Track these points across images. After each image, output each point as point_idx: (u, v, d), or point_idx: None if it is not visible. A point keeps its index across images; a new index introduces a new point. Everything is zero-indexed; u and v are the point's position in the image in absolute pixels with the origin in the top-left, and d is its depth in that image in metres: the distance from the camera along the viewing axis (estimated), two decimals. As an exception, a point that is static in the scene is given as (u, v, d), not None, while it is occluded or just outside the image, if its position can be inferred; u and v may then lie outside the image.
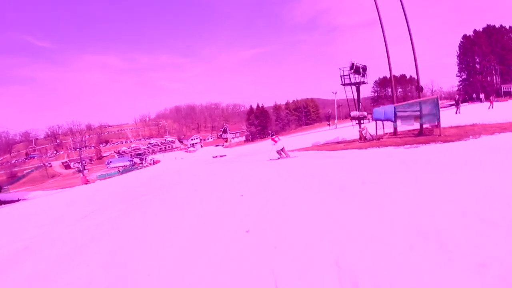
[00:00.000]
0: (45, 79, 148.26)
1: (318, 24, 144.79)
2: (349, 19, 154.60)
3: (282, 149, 13.00)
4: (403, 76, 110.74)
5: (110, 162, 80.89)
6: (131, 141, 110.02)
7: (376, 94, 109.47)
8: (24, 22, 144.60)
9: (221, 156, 26.63)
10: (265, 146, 23.04)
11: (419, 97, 15.50)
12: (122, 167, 74.56)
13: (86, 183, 43.25)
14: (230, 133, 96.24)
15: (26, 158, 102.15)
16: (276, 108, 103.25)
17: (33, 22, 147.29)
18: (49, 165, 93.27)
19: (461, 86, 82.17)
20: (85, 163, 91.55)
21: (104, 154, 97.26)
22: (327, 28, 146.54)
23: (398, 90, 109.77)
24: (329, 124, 56.60)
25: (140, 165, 70.87)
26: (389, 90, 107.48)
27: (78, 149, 46.77)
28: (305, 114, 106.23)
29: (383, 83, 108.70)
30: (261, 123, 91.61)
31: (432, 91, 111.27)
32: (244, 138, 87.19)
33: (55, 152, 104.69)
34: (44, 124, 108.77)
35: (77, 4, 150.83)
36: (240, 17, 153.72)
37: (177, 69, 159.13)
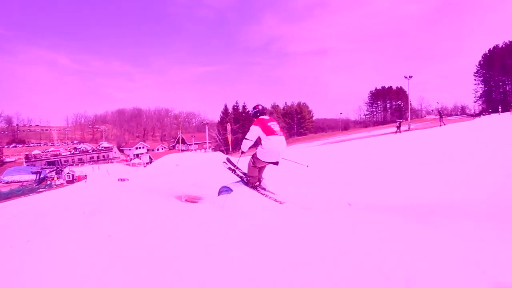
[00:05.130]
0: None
1: (270, 49, 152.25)
2: (299, 47, 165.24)
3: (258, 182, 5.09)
4: (390, 88, 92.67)
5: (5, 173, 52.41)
6: (52, 144, 79.59)
7: (369, 106, 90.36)
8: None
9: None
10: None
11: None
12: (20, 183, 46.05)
13: None
14: (187, 144, 70.29)
15: None
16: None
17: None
18: None
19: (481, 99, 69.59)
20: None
21: (8, 159, 66.44)
22: (280, 54, 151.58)
23: (387, 103, 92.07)
24: (399, 128, 29.89)
25: (52, 182, 44.47)
26: (380, 103, 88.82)
27: None
28: (298, 121, 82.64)
29: (376, 95, 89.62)
30: (242, 128, 66.34)
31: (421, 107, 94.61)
32: (210, 149, 55.47)
33: None
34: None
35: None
36: (197, 34, 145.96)
37: (126, 78, 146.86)
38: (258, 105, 4.90)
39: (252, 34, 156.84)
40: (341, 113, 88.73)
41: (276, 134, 4.57)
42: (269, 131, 4.52)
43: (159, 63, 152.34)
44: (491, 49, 64.84)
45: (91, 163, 61.70)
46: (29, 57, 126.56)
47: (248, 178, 4.91)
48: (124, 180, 13.08)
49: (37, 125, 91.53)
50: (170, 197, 5.54)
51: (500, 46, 63.15)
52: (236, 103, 72.54)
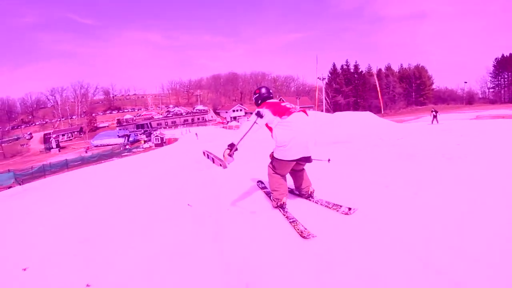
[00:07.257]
0: (86, 54, 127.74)
1: (363, 14, 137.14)
2: (395, 11, 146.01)
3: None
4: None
5: (96, 137, 51.98)
6: (146, 109, 78.83)
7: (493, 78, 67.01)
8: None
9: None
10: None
11: None
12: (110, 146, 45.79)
13: None
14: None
15: (13, 127, 75.10)
16: (370, 74, 64.28)
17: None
18: (28, 137, 65.25)
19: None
20: (71, 136, 62.13)
21: (101, 125, 66.67)
22: (373, 18, 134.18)
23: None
24: (435, 117, 22.86)
25: (140, 145, 43.06)
26: (508, 74, 69.71)
27: None
28: (416, 88, 66.01)
29: (503, 64, 65.29)
30: (354, 92, 54.29)
31: None
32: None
33: (45, 121, 76.32)
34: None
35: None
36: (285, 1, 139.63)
37: (219, 48, 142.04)
38: (259, 88, 3.17)
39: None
40: (466, 82, 68.58)
41: (295, 111, 2.86)
42: (283, 111, 2.82)
43: (248, 32, 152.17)
44: None
45: (185, 125, 57.86)
46: (122, 40, 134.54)
47: (272, 193, 3.01)
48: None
49: (134, 94, 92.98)
50: None
51: None
52: (347, 62, 60.82)
